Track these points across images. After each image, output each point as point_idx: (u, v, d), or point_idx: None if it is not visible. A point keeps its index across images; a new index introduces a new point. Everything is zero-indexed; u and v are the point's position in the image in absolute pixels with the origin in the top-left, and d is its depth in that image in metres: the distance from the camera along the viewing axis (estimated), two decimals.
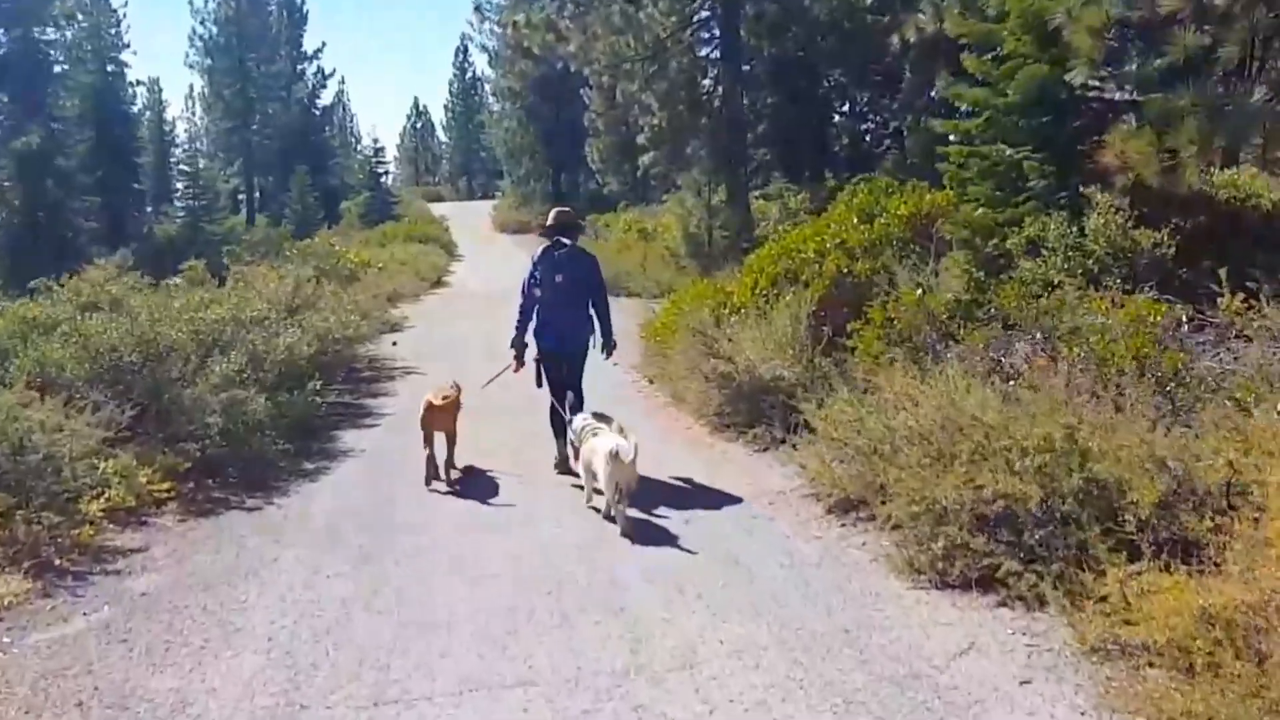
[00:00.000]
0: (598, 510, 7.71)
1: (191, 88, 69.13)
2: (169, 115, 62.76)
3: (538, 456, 9.29)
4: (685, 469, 8.80)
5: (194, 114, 66.38)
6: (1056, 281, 9.23)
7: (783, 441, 9.10)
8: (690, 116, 25.99)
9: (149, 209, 50.81)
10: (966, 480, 5.86)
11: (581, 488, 8.06)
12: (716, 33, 26.37)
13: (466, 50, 75.30)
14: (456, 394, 9.39)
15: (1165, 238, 9.19)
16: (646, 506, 7.79)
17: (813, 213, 22.80)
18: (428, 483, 8.84)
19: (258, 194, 57.31)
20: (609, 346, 9.18)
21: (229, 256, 20.35)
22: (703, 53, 27.08)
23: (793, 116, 28.51)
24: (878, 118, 32.97)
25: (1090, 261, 9.48)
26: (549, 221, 9.28)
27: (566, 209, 9.63)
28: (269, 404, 9.71)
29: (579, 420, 8.37)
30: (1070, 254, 9.58)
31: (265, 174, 57.09)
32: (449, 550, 7.10)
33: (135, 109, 54.12)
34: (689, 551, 6.74)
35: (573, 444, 8.44)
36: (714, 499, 7.89)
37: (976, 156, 11.19)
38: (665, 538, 7.06)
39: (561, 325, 8.89)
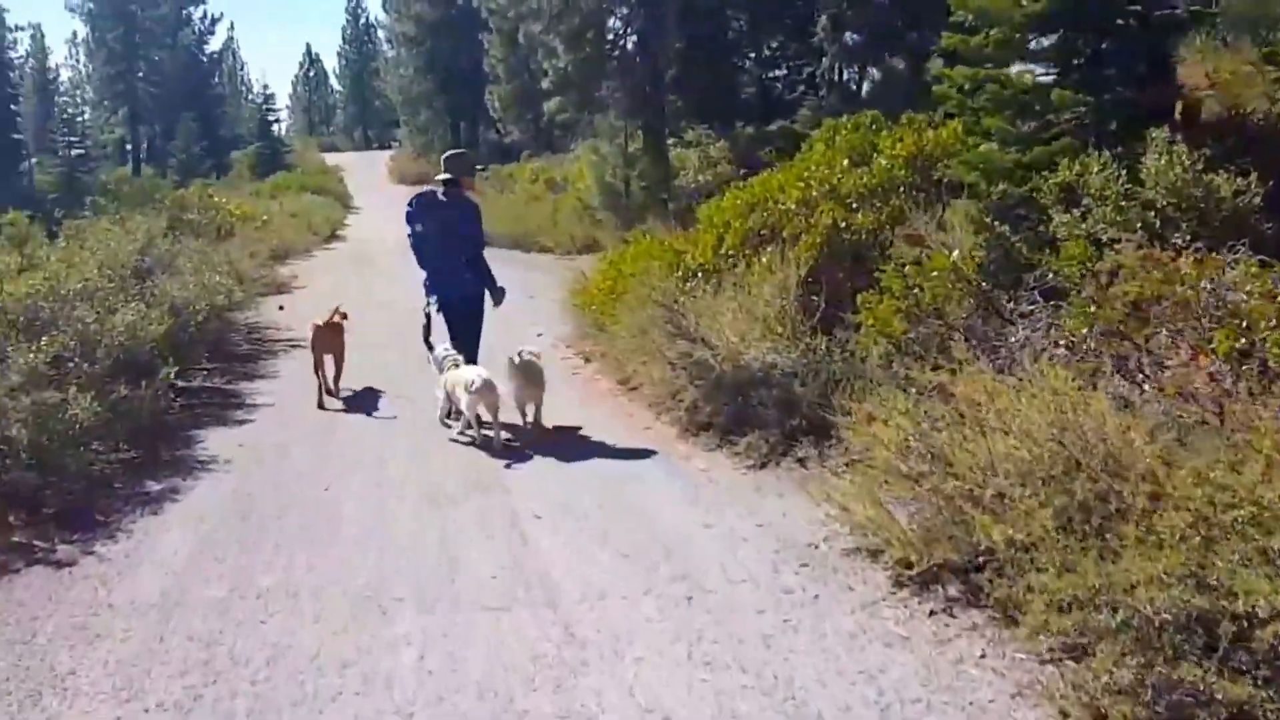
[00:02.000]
0: (460, 440, 7.46)
1: (75, 34, 62.72)
2: (52, 62, 57.11)
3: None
4: (657, 496, 6.15)
5: (78, 61, 60.42)
6: (1106, 239, 6.87)
7: (784, 454, 6.54)
8: (598, 59, 23.14)
9: (32, 160, 45.67)
10: (1191, 572, 3.37)
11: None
12: None
13: None
14: (342, 318, 9.38)
15: (1254, 184, 6.84)
16: (617, 555, 5.20)
17: (733, 162, 20.35)
18: (320, 405, 8.78)
19: (145, 144, 52.17)
20: (498, 294, 8.22)
21: (93, 209, 16.91)
22: None
23: (701, 62, 25.83)
24: (790, 64, 30.55)
25: (1151, 214, 7.12)
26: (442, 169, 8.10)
27: (459, 151, 8.72)
28: (98, 405, 6.77)
29: (440, 349, 7.92)
30: (1124, 204, 7.17)
31: (152, 123, 51.83)
32: (336, 652, 4.36)
33: (15, 56, 48.66)
34: (707, 666, 4.09)
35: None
36: (716, 553, 5.22)
37: (992, 81, 8.68)
38: (669, 634, 4.40)
39: (459, 275, 7.96)
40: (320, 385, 8.87)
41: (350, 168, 41.92)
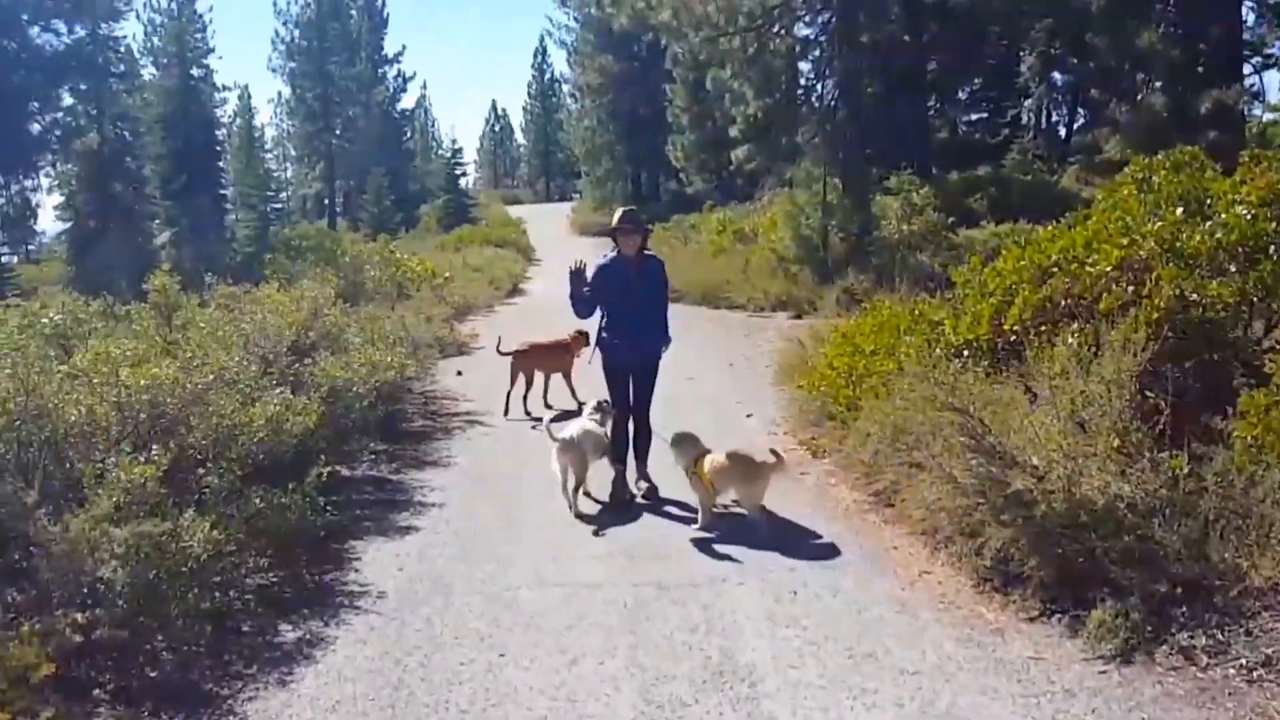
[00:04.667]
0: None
1: (280, 94, 65.19)
2: (258, 121, 59.28)
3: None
4: (976, 709, 4.02)
5: (281, 119, 62.76)
6: None
7: (1155, 637, 4.37)
8: (791, 105, 21.33)
9: (233, 215, 47.00)
10: None
11: None
12: (823, 14, 21.51)
13: (545, 50, 70.75)
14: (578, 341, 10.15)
15: None
16: None
17: (940, 209, 18.04)
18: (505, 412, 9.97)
19: (340, 198, 53.34)
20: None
21: (270, 265, 16.04)
22: (802, 34, 22.36)
23: (895, 106, 23.59)
24: (990, 106, 28.09)
25: None
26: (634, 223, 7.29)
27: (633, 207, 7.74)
28: (222, 529, 5.20)
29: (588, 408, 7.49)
30: None
31: (347, 178, 53.07)
32: None
33: (222, 114, 50.52)
34: None
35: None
36: None
37: None
38: None
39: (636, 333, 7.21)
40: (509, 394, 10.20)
41: (532, 219, 41.09)
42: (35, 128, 31.58)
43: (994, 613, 4.88)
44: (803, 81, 22.67)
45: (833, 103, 20.79)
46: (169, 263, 30.90)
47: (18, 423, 5.14)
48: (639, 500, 7.20)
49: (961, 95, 28.46)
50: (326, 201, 53.13)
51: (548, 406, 10.22)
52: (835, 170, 19.30)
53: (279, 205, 38.06)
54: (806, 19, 22.01)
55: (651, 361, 7.30)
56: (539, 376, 10.52)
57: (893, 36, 22.87)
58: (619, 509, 7.00)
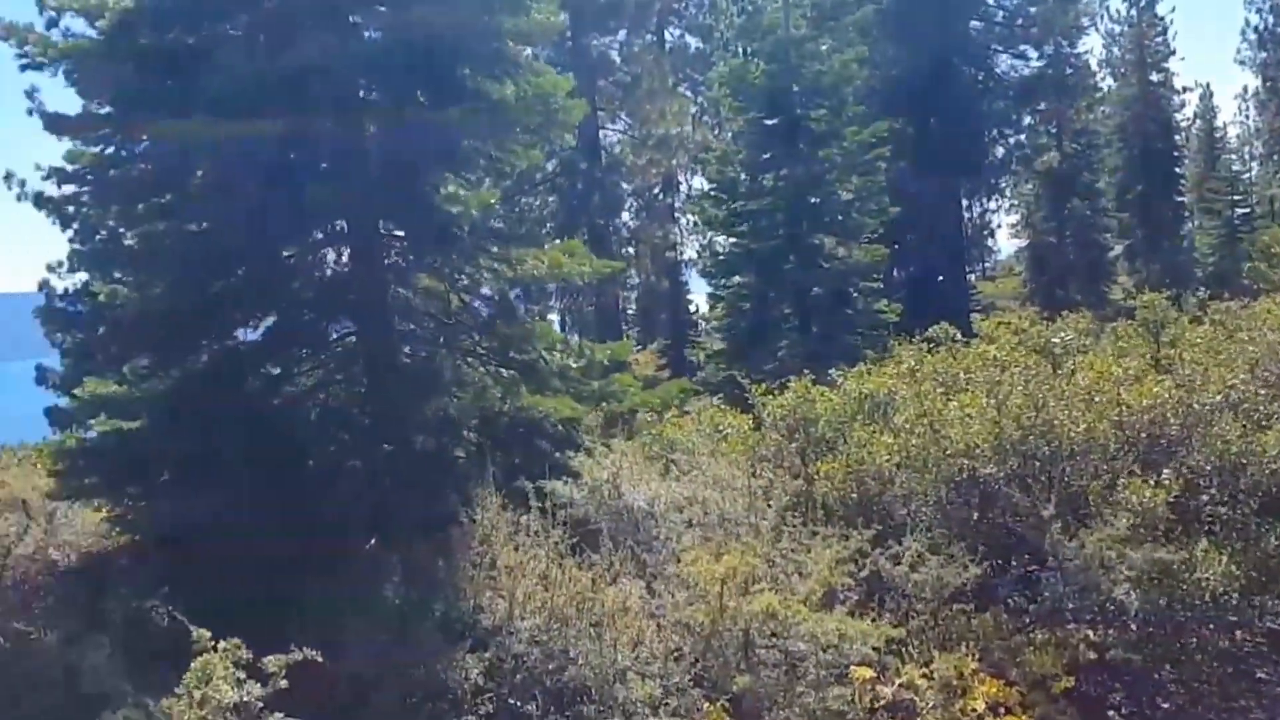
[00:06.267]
0: None
1: (1245, 88, 60.36)
2: (1219, 121, 55.79)
3: None
4: None
5: (1246, 116, 57.99)
6: None
7: None
8: None
9: (1191, 223, 45.23)
10: None
11: None
12: None
13: None
14: None
15: None
16: None
17: None
18: None
19: None
20: None
21: (1250, 274, 14.88)
22: None
23: None
24: None
25: None
26: None
27: None
28: (1236, 562, 4.99)
29: None
30: None
31: None
32: None
33: (1181, 117, 48.67)
34: None
35: None
36: None
37: None
38: None
39: None
40: None
41: None
42: (999, 151, 34.34)
43: None
44: None
45: None
46: (1124, 275, 30.94)
47: (1029, 437, 5.54)
48: None
49: None
50: None
51: None
52: None
53: (1245, 209, 35.32)
54: None
55: None
56: None
57: None
58: None
